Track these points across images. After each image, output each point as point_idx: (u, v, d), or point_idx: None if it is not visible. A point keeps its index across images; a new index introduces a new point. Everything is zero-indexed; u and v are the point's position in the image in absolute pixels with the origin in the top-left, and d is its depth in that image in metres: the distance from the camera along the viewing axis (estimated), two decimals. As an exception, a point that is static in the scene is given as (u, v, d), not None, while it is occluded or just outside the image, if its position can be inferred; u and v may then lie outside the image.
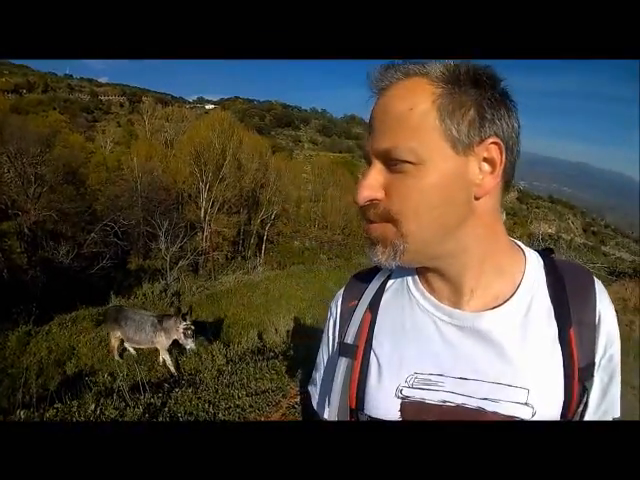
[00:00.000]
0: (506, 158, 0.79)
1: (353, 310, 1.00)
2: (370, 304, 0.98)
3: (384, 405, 0.91)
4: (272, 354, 5.99)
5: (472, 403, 0.85)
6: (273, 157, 41.35)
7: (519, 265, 0.90)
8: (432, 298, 0.91)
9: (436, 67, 0.79)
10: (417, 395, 0.88)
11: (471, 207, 0.81)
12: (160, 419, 3.82)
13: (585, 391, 0.85)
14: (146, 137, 47.30)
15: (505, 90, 0.81)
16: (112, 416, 3.95)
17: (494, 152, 0.79)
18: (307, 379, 3.54)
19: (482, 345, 0.85)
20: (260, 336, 9.00)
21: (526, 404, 0.82)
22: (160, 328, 8.11)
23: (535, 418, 0.82)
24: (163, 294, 14.01)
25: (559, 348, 0.84)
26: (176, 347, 8.27)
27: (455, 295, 0.88)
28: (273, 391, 4.47)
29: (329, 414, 0.98)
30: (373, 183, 0.82)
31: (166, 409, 4.08)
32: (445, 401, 0.86)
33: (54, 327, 11.04)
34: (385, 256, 0.84)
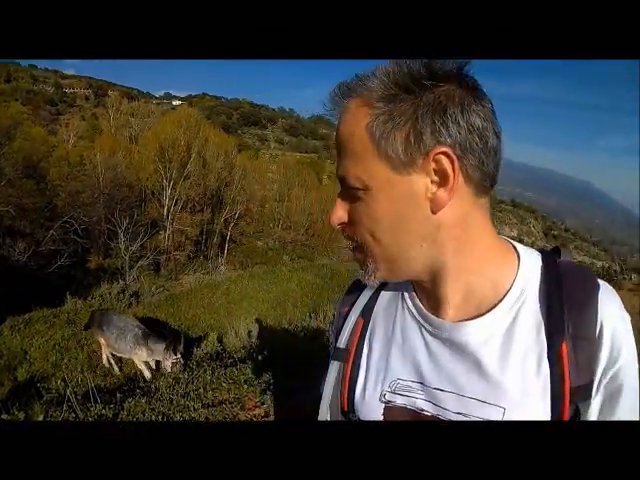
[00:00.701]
0: (464, 162, 0.74)
1: (346, 316, 1.02)
2: (363, 310, 0.99)
3: (370, 408, 0.91)
4: (231, 360, 5.89)
5: (446, 416, 0.82)
6: (239, 156, 41.03)
7: (509, 271, 0.83)
8: (420, 305, 0.90)
9: (372, 84, 0.75)
10: (398, 401, 0.88)
11: (433, 222, 0.77)
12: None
13: (578, 411, 0.76)
14: (110, 132, 46.10)
15: (461, 84, 0.75)
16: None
17: (444, 162, 0.73)
18: (267, 388, 3.48)
19: (459, 357, 0.82)
20: (220, 339, 8.87)
21: None
22: (143, 343, 7.62)
23: None
24: (121, 295, 13.68)
25: (547, 365, 0.76)
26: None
27: (435, 304, 0.87)
28: (230, 402, 4.38)
29: (320, 416, 1.01)
30: (339, 208, 0.84)
31: (118, 421, 3.97)
32: (422, 410, 0.85)
33: (5, 330, 10.69)
34: (365, 276, 0.86)
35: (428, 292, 0.87)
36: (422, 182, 0.75)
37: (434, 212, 0.76)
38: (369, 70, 0.77)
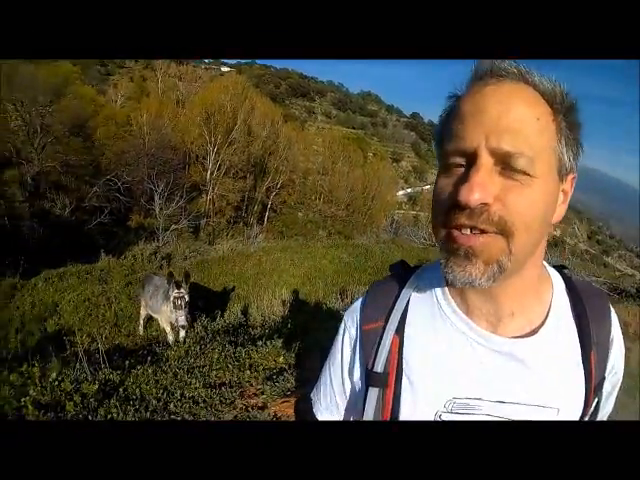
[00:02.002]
0: None
1: (379, 333, 0.93)
2: (397, 325, 0.93)
3: None
4: (246, 337, 5.81)
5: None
6: (285, 126, 40.93)
7: (548, 288, 0.91)
8: (467, 318, 0.88)
9: (544, 84, 0.76)
10: (456, 420, 0.87)
11: (549, 230, 0.83)
12: (112, 401, 3.73)
13: (595, 400, 0.90)
14: (158, 94, 46.78)
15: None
16: (67, 390, 3.89)
17: (570, 185, 0.83)
18: (271, 377, 3.42)
19: (518, 369, 0.85)
20: (245, 311, 8.86)
21: None
22: (167, 297, 7.05)
23: None
24: (153, 256, 13.84)
25: (582, 368, 0.87)
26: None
27: (494, 316, 0.86)
28: (231, 386, 4.25)
29: None
30: (488, 184, 0.72)
31: (121, 390, 3.98)
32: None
33: (40, 282, 10.97)
34: (485, 275, 0.75)
35: (486, 302, 0.86)
36: (559, 193, 0.81)
37: (552, 222, 0.82)
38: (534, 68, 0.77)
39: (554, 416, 0.85)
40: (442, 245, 0.80)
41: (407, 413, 0.89)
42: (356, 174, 41.32)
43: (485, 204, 0.72)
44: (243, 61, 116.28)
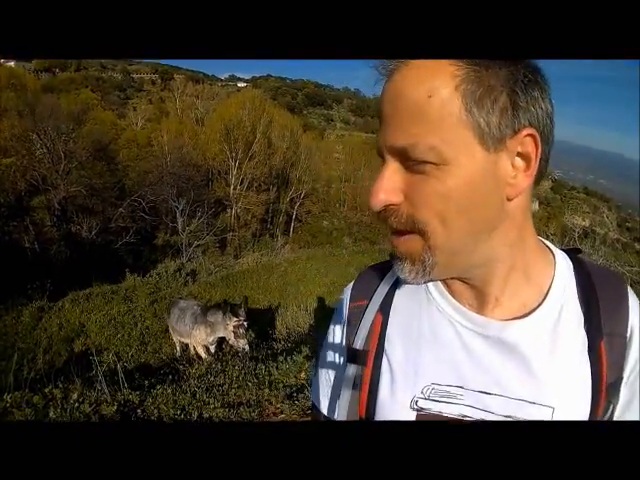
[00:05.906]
0: (542, 150, 0.69)
1: (363, 311, 0.90)
2: (382, 304, 0.89)
3: (398, 416, 0.83)
4: (268, 352, 5.72)
5: (492, 419, 0.77)
6: (304, 136, 41.08)
7: (548, 269, 0.81)
8: (453, 300, 0.82)
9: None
10: (434, 408, 0.80)
11: (504, 209, 0.71)
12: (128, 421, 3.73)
13: (609, 407, 0.77)
14: (177, 114, 47.34)
15: (537, 66, 0.70)
16: (86, 411, 3.89)
17: (529, 145, 0.68)
18: (291, 394, 3.32)
19: (507, 357, 0.77)
20: (269, 324, 8.83)
21: None
22: (202, 321, 6.84)
23: None
24: (177, 273, 13.96)
25: (588, 362, 0.76)
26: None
27: (478, 302, 0.80)
28: (249, 405, 4.23)
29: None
30: (389, 185, 0.71)
31: (139, 411, 3.97)
32: (464, 415, 0.79)
33: (67, 303, 11.32)
34: (413, 274, 0.74)
35: (468, 288, 0.80)
36: (506, 163, 0.69)
37: (509, 199, 0.71)
38: None
39: (547, 416, 0.75)
40: None
41: (384, 396, 0.84)
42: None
43: (393, 205, 0.71)
44: (258, 75, 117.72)
